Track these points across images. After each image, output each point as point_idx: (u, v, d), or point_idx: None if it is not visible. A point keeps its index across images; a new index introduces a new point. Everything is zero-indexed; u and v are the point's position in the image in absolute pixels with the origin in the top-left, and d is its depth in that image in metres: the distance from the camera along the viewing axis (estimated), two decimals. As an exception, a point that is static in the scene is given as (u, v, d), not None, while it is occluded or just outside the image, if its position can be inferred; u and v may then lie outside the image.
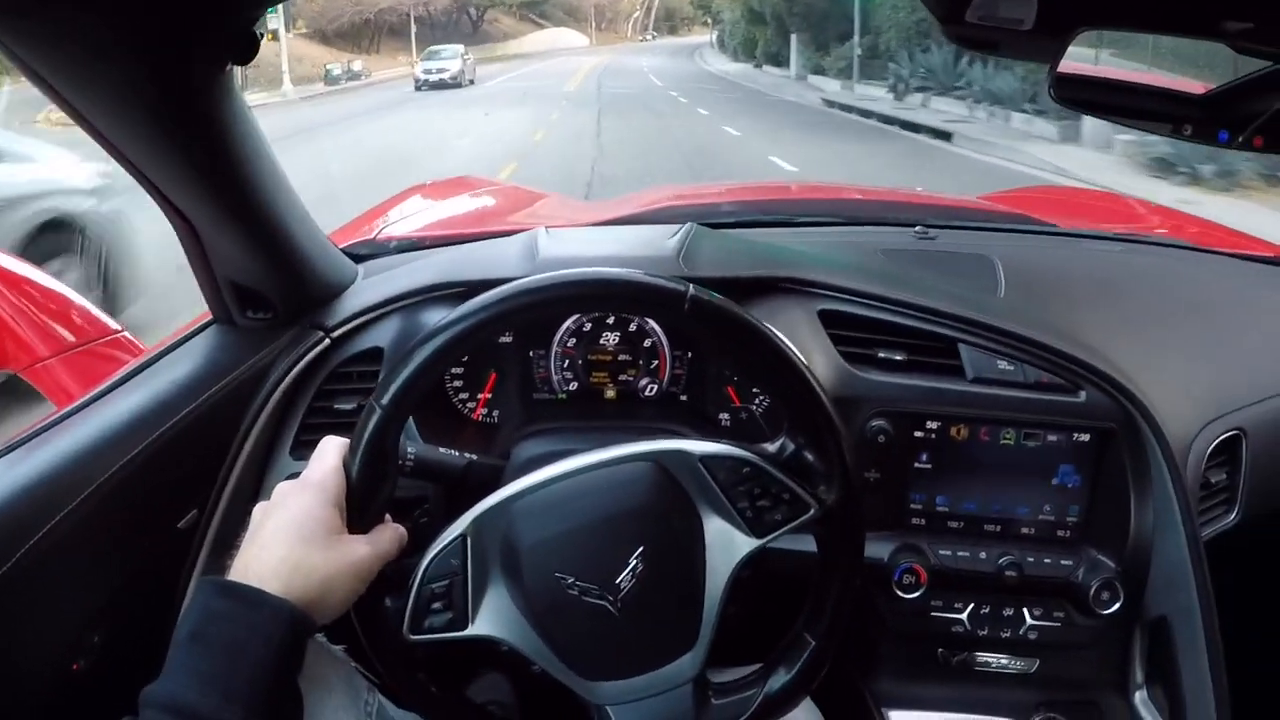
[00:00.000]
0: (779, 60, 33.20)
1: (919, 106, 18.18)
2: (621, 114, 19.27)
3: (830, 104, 21.35)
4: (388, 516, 0.86)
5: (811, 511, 0.83)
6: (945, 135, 14.37)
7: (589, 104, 22.47)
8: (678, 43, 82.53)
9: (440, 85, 32.46)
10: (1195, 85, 0.93)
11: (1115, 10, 0.83)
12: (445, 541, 0.82)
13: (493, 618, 0.81)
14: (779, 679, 0.87)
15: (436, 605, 0.81)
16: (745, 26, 37.91)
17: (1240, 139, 0.90)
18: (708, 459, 0.83)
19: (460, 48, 36.73)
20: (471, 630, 0.81)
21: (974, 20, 0.80)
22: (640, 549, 0.80)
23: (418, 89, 32.25)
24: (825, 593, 0.88)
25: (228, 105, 0.95)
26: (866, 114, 18.37)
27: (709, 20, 59.52)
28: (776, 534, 0.83)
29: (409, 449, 0.96)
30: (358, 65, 38.78)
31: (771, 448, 0.86)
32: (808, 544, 0.88)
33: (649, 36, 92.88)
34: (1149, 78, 0.94)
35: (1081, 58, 0.86)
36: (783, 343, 0.84)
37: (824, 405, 0.84)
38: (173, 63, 0.85)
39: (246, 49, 0.90)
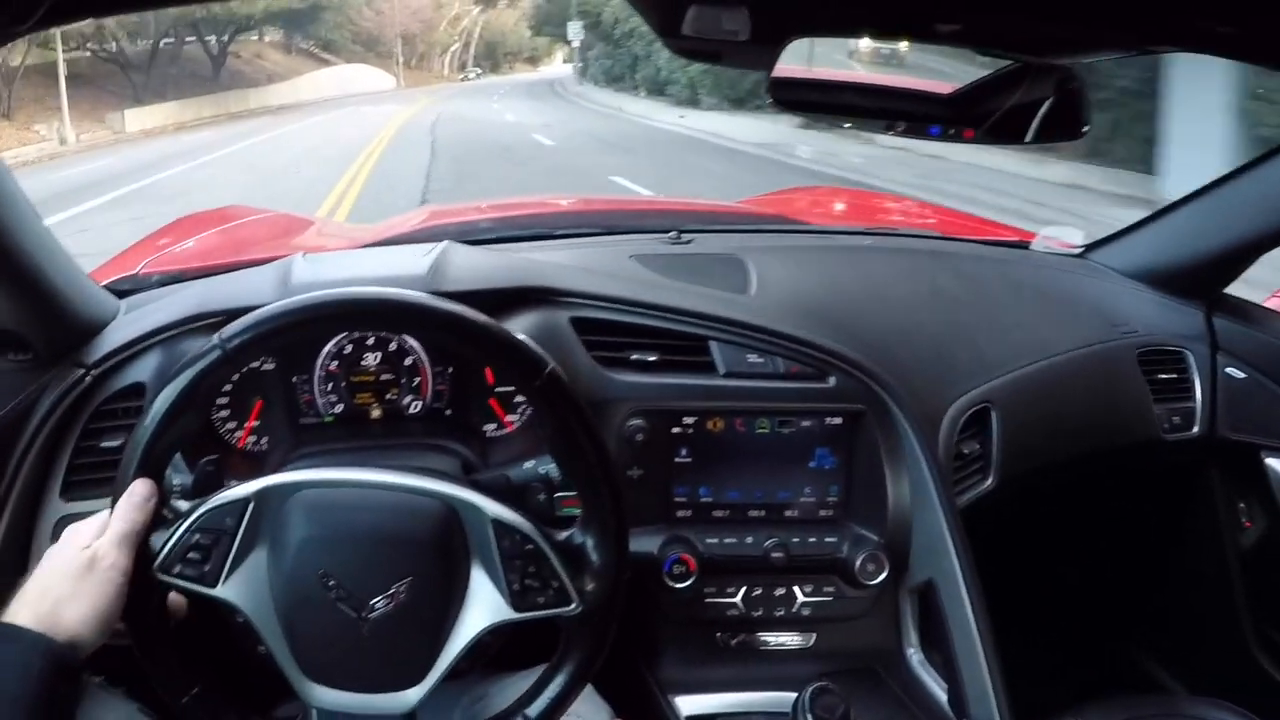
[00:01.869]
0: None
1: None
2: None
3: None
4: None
5: (571, 607, 0.85)
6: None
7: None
8: (513, 81, 64.13)
9: None
10: (941, 85, 1.01)
11: (828, 18, 0.89)
12: (226, 499, 0.82)
13: (242, 588, 0.82)
14: None
15: (194, 555, 0.81)
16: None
17: (951, 131, 0.98)
18: (499, 523, 0.84)
19: None
20: (217, 591, 0.82)
21: (691, 34, 0.83)
22: (407, 579, 0.82)
23: None
24: (551, 680, 0.89)
25: None
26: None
27: (572, 41, 37.48)
28: (533, 615, 0.85)
29: (175, 479, 0.94)
30: None
31: (561, 535, 0.88)
32: None
33: (472, 74, 79.11)
34: (873, 78, 1.00)
35: (799, 59, 0.92)
36: (605, 445, 0.87)
37: (621, 511, 0.87)
38: None
39: None
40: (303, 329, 0.86)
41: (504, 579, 0.84)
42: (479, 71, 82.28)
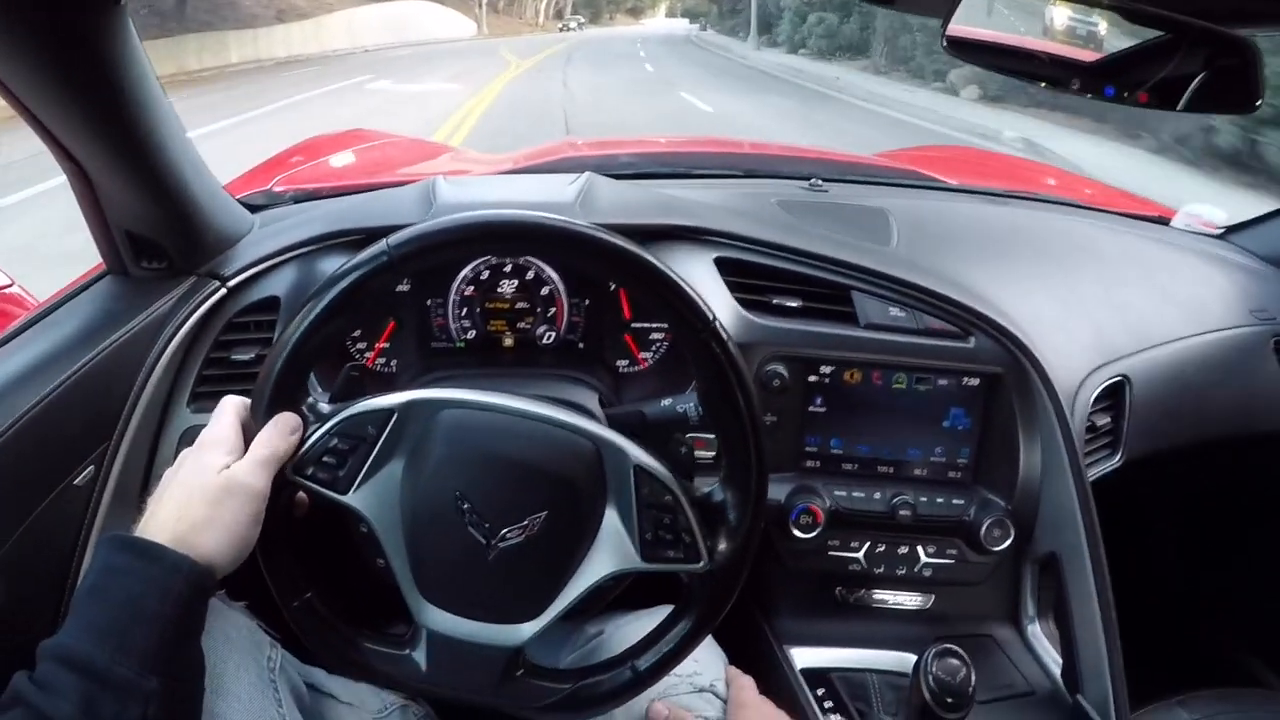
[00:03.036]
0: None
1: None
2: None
3: None
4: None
5: (699, 565, 0.84)
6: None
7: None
8: (627, 34, 51.42)
9: None
10: (1086, 53, 0.99)
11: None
12: (371, 407, 0.81)
13: (372, 498, 0.81)
14: (590, 689, 0.87)
15: (329, 459, 0.80)
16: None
17: (1126, 95, 0.96)
18: (641, 469, 0.82)
19: None
20: (347, 498, 0.81)
21: (870, -28, 0.83)
22: (542, 513, 0.80)
23: None
24: (665, 633, 0.88)
25: (120, 45, 0.92)
26: None
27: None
28: (659, 568, 0.83)
29: (309, 396, 0.94)
30: None
31: (701, 490, 0.86)
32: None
33: (573, 24, 69.52)
34: (1037, 44, 0.99)
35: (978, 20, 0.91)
36: (756, 405, 0.85)
37: (764, 473, 0.85)
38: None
39: None
40: (468, 247, 0.85)
41: (637, 526, 0.83)
42: (581, 21, 74.31)
